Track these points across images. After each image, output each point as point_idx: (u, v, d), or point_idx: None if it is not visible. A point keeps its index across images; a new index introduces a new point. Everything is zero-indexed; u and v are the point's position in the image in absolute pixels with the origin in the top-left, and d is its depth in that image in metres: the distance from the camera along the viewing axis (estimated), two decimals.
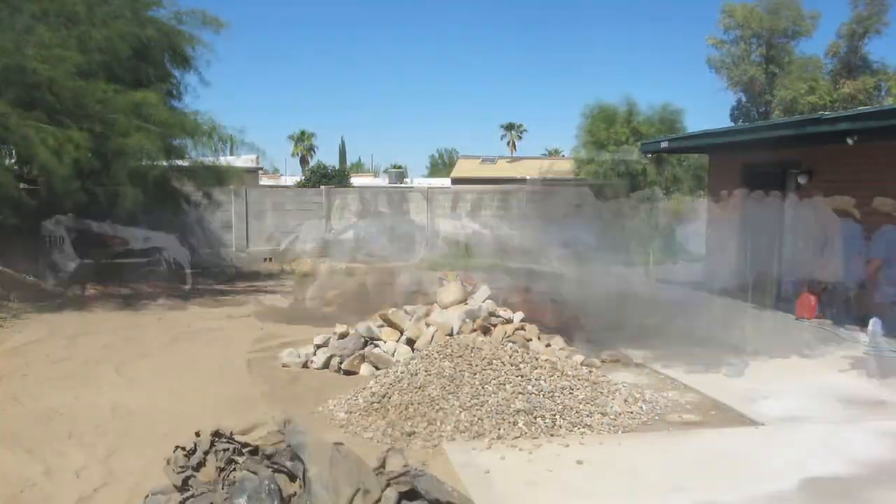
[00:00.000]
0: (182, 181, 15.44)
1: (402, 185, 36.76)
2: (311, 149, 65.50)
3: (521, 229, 15.12)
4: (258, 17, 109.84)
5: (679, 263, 16.22)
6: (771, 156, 12.39)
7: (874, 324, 7.59)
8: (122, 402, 6.22)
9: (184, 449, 3.52)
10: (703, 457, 4.93)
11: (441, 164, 69.22)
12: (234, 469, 3.39)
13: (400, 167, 51.38)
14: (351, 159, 70.39)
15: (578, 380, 6.04)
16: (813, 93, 23.49)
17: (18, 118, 11.21)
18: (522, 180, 26.12)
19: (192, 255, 15.94)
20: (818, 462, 4.76)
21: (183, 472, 3.41)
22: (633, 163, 20.76)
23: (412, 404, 5.57)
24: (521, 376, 5.84)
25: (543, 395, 5.63)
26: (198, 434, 3.62)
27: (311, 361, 7.49)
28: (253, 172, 31.45)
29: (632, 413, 5.73)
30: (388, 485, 3.24)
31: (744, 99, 27.04)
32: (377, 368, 7.02)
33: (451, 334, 7.22)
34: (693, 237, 15.36)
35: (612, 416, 5.58)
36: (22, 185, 14.19)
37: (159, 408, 6.05)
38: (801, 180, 11.39)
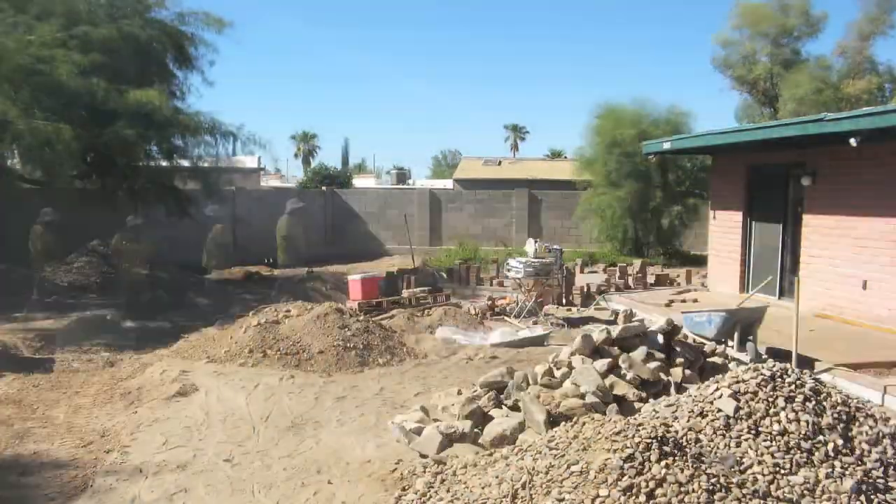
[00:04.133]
0: (185, 181, 15.53)
1: (405, 186, 36.81)
2: (313, 150, 65.61)
3: None
4: (260, 18, 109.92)
5: None
6: (775, 157, 12.36)
7: None
8: None
9: None
10: None
11: (444, 166, 69.18)
12: None
13: (402, 168, 51.38)
14: (353, 160, 70.43)
15: None
16: (819, 93, 23.40)
17: (20, 117, 11.23)
18: (525, 181, 26.13)
19: None
20: None
21: None
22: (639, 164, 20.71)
23: None
24: None
25: None
26: None
27: None
28: (255, 172, 31.43)
29: None
30: None
31: (749, 99, 26.97)
32: None
33: None
34: None
35: None
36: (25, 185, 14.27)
37: None
38: (806, 182, 11.35)
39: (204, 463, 5.58)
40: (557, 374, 6.61)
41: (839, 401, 4.65)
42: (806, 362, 7.93)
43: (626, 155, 20.53)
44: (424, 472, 5.04)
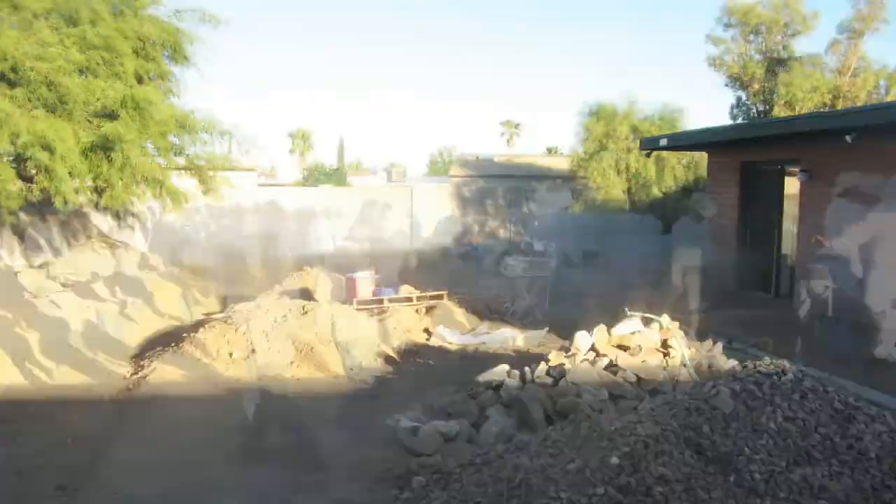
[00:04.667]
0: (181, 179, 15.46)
1: (400, 183, 36.76)
2: (308, 147, 65.40)
3: None
4: (256, 15, 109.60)
5: None
6: (770, 154, 12.37)
7: None
8: None
9: None
10: None
11: (441, 163, 69.09)
12: None
13: (398, 165, 51.35)
14: (349, 158, 70.29)
15: None
16: (813, 91, 23.46)
17: (17, 115, 11.17)
18: (521, 178, 26.17)
19: None
20: None
21: None
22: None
23: None
24: None
25: None
26: None
27: None
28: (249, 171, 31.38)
29: None
30: None
31: (744, 97, 26.99)
32: None
33: None
34: None
35: None
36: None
37: None
38: (801, 178, 11.36)
39: (198, 461, 5.55)
40: (555, 372, 6.62)
41: (837, 399, 4.66)
42: (803, 360, 7.94)
43: (620, 151, 20.59)
44: (421, 470, 5.03)
